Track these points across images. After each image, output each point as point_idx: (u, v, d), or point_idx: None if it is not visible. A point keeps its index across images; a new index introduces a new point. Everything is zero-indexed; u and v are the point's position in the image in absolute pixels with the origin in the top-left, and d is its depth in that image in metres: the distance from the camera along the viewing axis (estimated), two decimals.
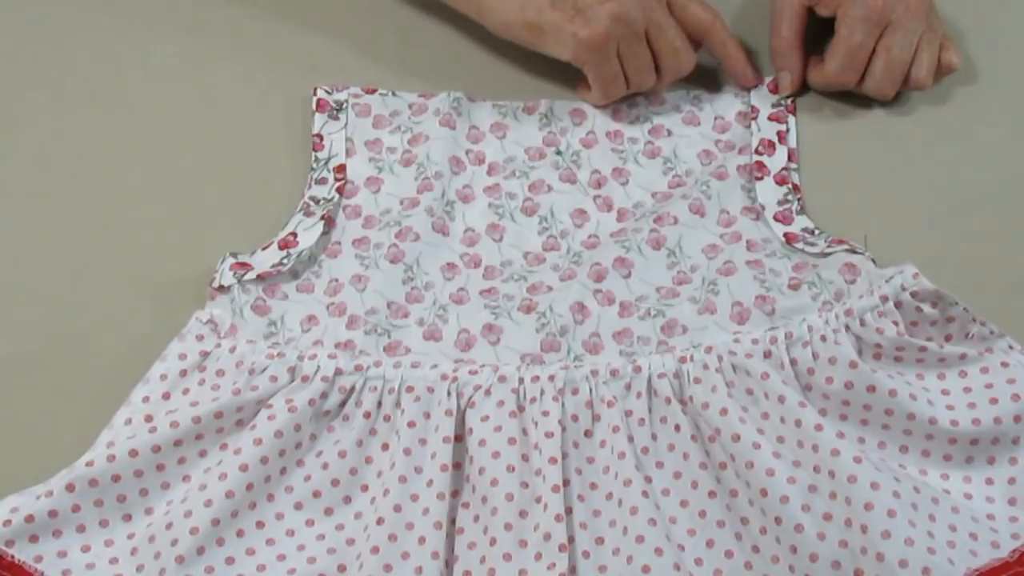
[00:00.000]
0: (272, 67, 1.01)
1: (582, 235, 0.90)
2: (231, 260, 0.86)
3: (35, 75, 1.01)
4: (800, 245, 0.86)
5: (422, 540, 0.74)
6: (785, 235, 0.87)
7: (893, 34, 0.93)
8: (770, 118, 0.94)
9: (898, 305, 0.82)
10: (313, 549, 0.76)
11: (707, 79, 0.97)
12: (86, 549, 0.76)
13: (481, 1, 0.95)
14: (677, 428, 0.79)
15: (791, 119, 0.95)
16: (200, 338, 0.83)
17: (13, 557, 0.74)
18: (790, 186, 0.90)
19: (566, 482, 0.77)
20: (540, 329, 0.84)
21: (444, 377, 0.81)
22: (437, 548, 0.74)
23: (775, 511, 0.74)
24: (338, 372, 0.81)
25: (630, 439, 0.78)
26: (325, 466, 0.78)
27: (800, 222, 0.88)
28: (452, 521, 0.77)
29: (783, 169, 0.91)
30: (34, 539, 0.75)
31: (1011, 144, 0.95)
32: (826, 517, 0.73)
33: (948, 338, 0.82)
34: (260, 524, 0.77)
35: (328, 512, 0.78)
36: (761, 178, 0.91)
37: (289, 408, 0.78)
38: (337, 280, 0.87)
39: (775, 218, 0.89)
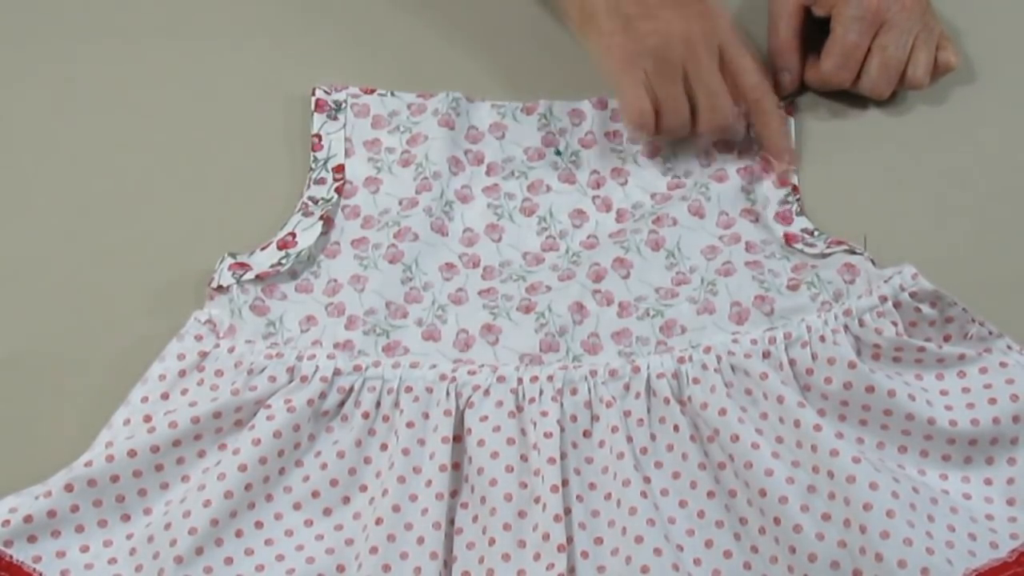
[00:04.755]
0: (271, 67, 1.01)
1: (581, 235, 0.90)
2: (230, 260, 0.86)
3: (35, 75, 1.01)
4: (799, 246, 0.87)
5: (421, 540, 0.74)
6: (785, 235, 0.88)
7: (888, 33, 0.93)
8: None
9: (897, 305, 0.82)
10: (312, 549, 0.76)
11: None
12: (85, 549, 0.76)
13: None
14: (676, 428, 0.79)
15: (790, 120, 0.95)
16: (199, 338, 0.83)
17: (12, 557, 0.74)
18: (790, 187, 0.90)
19: (565, 482, 0.77)
20: (539, 329, 0.84)
21: (443, 377, 0.81)
22: (436, 548, 0.74)
23: (774, 511, 0.74)
24: (337, 372, 0.81)
25: (629, 439, 0.78)
26: (324, 466, 0.78)
27: (799, 223, 0.88)
28: (451, 521, 0.77)
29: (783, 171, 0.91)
30: (32, 539, 0.75)
31: (1010, 144, 0.95)
32: (825, 517, 0.73)
33: (947, 338, 0.82)
34: (259, 524, 0.77)
35: (327, 512, 0.78)
36: (761, 178, 0.91)
37: (288, 408, 0.78)
38: (336, 280, 0.87)
39: (775, 218, 0.89)
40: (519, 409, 0.80)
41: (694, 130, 0.91)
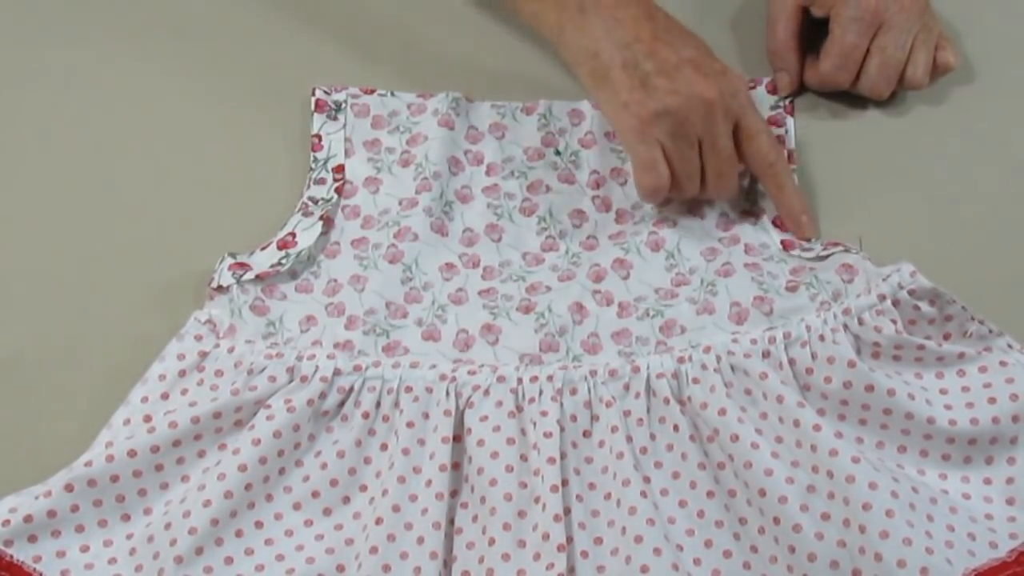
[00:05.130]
0: (271, 67, 1.01)
1: (581, 235, 0.90)
2: (230, 260, 0.86)
3: (35, 75, 1.01)
4: (796, 252, 0.87)
5: (420, 540, 0.74)
6: (782, 242, 0.88)
7: (887, 34, 0.93)
8: (768, 122, 0.94)
9: (896, 303, 0.82)
10: (312, 549, 0.76)
11: None
12: (85, 549, 0.76)
13: (563, 29, 0.90)
14: (675, 428, 0.79)
15: (790, 120, 0.95)
16: (199, 338, 0.83)
17: (12, 557, 0.74)
18: None
19: (564, 482, 0.77)
20: (539, 329, 0.84)
21: (443, 377, 0.81)
22: (436, 548, 0.74)
23: (773, 511, 0.74)
24: (337, 372, 0.81)
25: (628, 439, 0.78)
26: (324, 466, 0.78)
27: None
28: (451, 521, 0.77)
29: None
30: (33, 539, 0.75)
31: (1008, 143, 0.95)
32: (824, 517, 0.74)
33: (946, 337, 0.82)
34: (259, 524, 0.77)
35: (327, 512, 0.78)
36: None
37: (288, 408, 0.79)
38: (336, 280, 0.87)
39: (774, 223, 0.89)
40: (519, 409, 0.80)
41: (701, 193, 0.89)
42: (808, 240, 0.87)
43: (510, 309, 0.85)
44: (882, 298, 0.81)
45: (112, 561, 0.76)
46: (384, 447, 0.79)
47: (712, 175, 0.87)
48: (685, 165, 0.86)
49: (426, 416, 0.80)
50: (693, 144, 0.86)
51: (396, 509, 0.75)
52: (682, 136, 0.86)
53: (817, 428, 0.76)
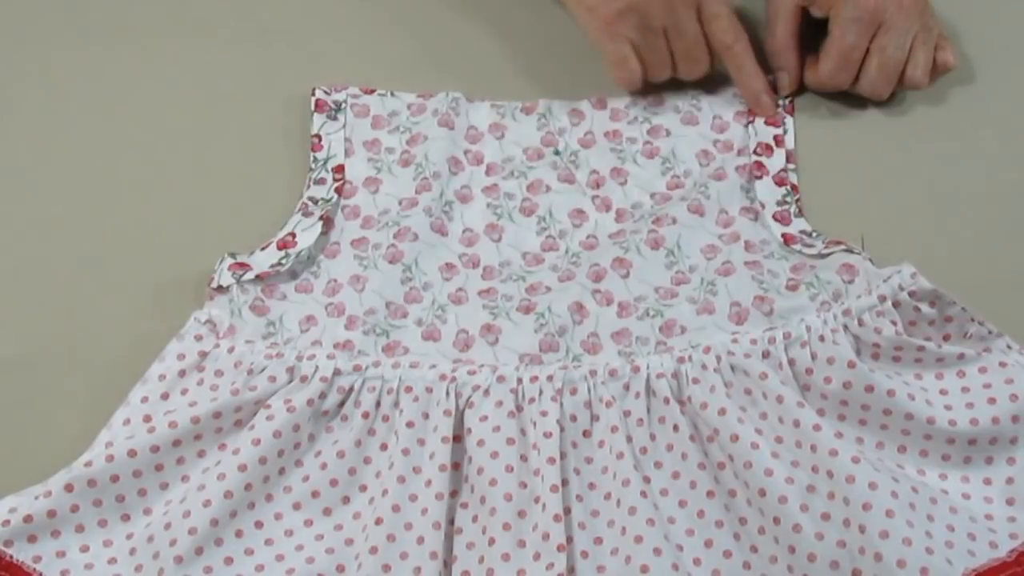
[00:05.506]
0: (271, 67, 1.01)
1: (580, 235, 0.90)
2: (230, 260, 0.86)
3: (35, 75, 1.01)
4: (797, 247, 0.87)
5: (420, 540, 0.75)
6: (783, 236, 0.88)
7: (886, 34, 0.93)
8: (767, 122, 0.94)
9: (896, 305, 0.82)
10: (311, 549, 0.76)
11: (705, 79, 0.97)
12: (84, 549, 0.76)
13: None
14: (675, 428, 0.79)
15: (790, 120, 0.95)
16: (198, 338, 0.83)
17: (11, 557, 0.75)
18: (788, 187, 0.91)
19: (564, 482, 0.77)
20: (539, 329, 0.84)
21: (443, 377, 0.81)
22: (435, 548, 0.74)
23: (773, 511, 0.74)
24: (337, 372, 0.81)
25: (628, 439, 0.78)
26: (323, 466, 0.78)
27: (798, 224, 0.88)
28: (451, 521, 0.77)
29: (781, 171, 0.91)
30: (32, 539, 0.75)
31: (1008, 143, 0.95)
32: (824, 517, 0.74)
33: (946, 338, 0.82)
34: (259, 524, 0.77)
35: (326, 512, 0.78)
36: (760, 177, 0.91)
37: (287, 408, 0.79)
38: (336, 280, 0.87)
39: (773, 218, 0.89)
40: (519, 409, 0.80)
41: (674, 74, 0.95)
42: (808, 236, 0.87)
43: (510, 309, 0.85)
44: (882, 299, 0.81)
45: (112, 561, 0.76)
46: (384, 447, 0.79)
47: (681, 60, 0.95)
48: (654, 55, 0.94)
49: (426, 416, 0.80)
50: (659, 34, 0.93)
51: (396, 509, 0.76)
52: (648, 28, 0.93)
53: (817, 428, 0.76)
